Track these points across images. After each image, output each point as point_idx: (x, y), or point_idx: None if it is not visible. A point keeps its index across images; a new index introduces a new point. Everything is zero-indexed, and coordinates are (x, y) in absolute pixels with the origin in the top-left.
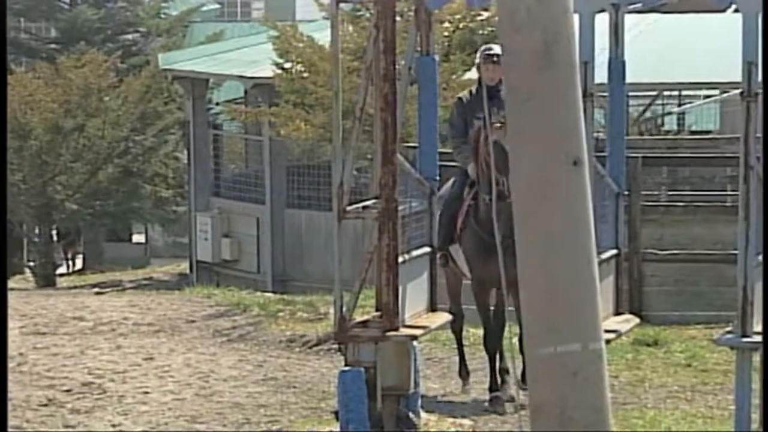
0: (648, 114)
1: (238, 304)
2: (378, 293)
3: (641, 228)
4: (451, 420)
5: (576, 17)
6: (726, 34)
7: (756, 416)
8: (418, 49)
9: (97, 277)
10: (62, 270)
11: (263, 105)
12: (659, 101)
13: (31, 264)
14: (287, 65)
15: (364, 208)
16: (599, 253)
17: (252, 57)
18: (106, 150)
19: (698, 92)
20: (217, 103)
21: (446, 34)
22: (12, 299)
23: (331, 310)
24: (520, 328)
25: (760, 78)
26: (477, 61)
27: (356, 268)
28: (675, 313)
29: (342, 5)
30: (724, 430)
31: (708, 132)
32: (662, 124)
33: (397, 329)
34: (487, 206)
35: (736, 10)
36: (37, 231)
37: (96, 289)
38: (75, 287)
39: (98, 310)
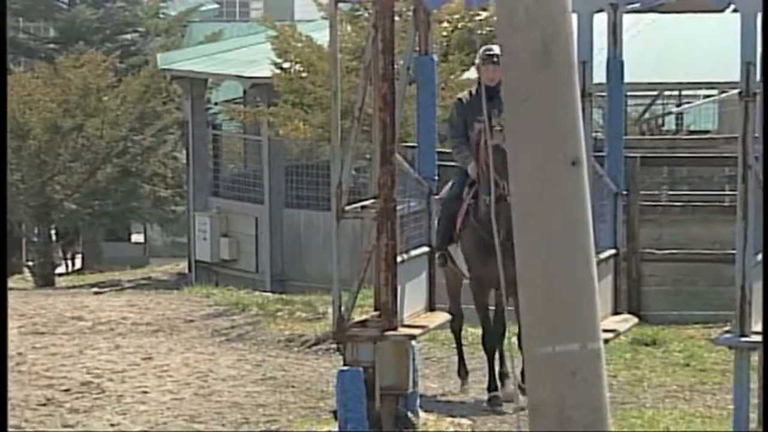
0: (648, 114)
1: (236, 304)
2: (376, 293)
3: (640, 228)
4: (449, 419)
5: (574, 17)
6: (724, 34)
7: (754, 416)
8: (417, 48)
9: (96, 276)
10: (61, 270)
11: (262, 105)
12: (659, 101)
13: (30, 264)
14: (286, 65)
15: (362, 207)
16: (598, 252)
17: (250, 57)
18: (104, 150)
19: (698, 92)
20: (216, 103)
21: (445, 33)
22: (11, 299)
23: (330, 310)
24: (519, 328)
25: (758, 78)
26: (477, 61)
27: (355, 267)
28: (673, 313)
29: (340, 5)
30: (723, 430)
31: (706, 132)
32: (663, 124)
33: (395, 329)
34: (487, 206)
35: (734, 10)
36: (35, 231)
37: (95, 289)
38: (74, 287)
39: (97, 310)
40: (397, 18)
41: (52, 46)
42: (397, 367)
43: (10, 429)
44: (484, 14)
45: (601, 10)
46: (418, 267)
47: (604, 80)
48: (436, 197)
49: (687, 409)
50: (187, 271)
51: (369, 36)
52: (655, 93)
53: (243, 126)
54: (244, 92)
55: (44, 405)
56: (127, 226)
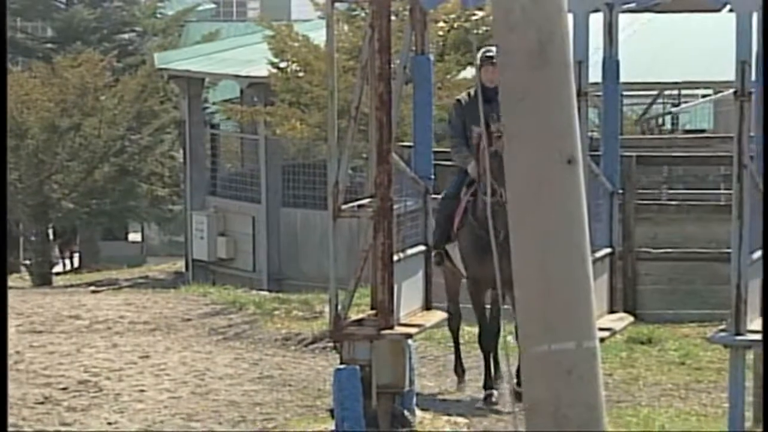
0: (649, 114)
1: (233, 303)
2: (373, 292)
3: (635, 226)
4: (446, 418)
5: (570, 17)
6: (719, 34)
7: (749, 414)
8: (413, 48)
9: (93, 275)
10: (58, 268)
11: (259, 104)
12: (659, 101)
13: (27, 262)
14: (283, 65)
15: (359, 207)
16: (593, 251)
17: (247, 56)
18: (102, 149)
19: (696, 91)
20: (214, 103)
21: (441, 33)
22: (9, 298)
23: (327, 309)
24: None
25: (753, 77)
26: (476, 62)
27: (351, 266)
28: (669, 312)
29: (337, 5)
30: (718, 428)
31: (702, 131)
32: (663, 124)
33: (392, 327)
34: (486, 204)
35: (730, 10)
36: (33, 230)
37: (92, 288)
38: (71, 286)
39: (94, 309)
40: (393, 18)
41: (49, 45)
42: (394, 366)
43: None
44: (480, 14)
45: (596, 10)
46: (415, 266)
47: (599, 80)
48: (435, 196)
49: (682, 407)
50: (184, 270)
51: (366, 36)
52: (655, 93)
53: (240, 125)
54: (241, 92)
55: (42, 403)
56: (124, 225)
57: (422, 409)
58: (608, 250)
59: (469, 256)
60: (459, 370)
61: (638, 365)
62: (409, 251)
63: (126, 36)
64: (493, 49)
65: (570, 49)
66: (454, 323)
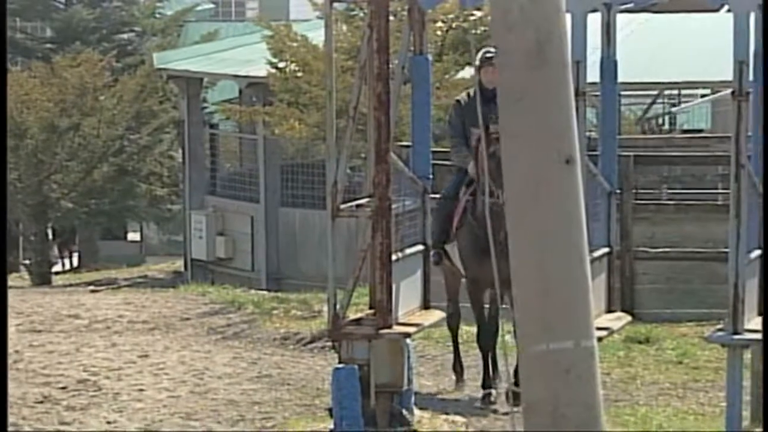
0: (650, 113)
1: (232, 302)
2: (371, 291)
3: (633, 226)
4: (444, 417)
5: (568, 17)
6: (717, 34)
7: (747, 413)
8: (412, 48)
9: (93, 275)
10: (57, 268)
11: (257, 104)
12: (660, 100)
13: (27, 262)
14: (281, 64)
15: (357, 206)
16: (591, 251)
17: (246, 56)
18: (101, 149)
19: (695, 91)
20: (213, 104)
21: (439, 33)
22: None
23: (325, 308)
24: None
25: (751, 77)
26: (476, 63)
27: (350, 266)
28: (666, 311)
29: (336, 5)
30: (716, 427)
31: (700, 131)
32: (663, 123)
33: (390, 327)
34: (485, 204)
35: (728, 10)
36: (32, 229)
37: (91, 287)
38: (70, 285)
39: (93, 308)
40: (391, 18)
41: (48, 45)
42: (392, 365)
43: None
44: (478, 14)
45: (594, 10)
46: (413, 265)
47: (597, 79)
48: (433, 196)
49: (680, 406)
50: (183, 269)
51: (364, 36)
52: (654, 93)
53: (239, 125)
54: (240, 91)
55: (41, 402)
56: (123, 224)
57: (420, 408)
58: (606, 249)
59: (468, 255)
60: (457, 368)
61: (636, 364)
62: (408, 251)
63: (125, 36)
64: (493, 50)
65: (568, 49)
66: (453, 322)
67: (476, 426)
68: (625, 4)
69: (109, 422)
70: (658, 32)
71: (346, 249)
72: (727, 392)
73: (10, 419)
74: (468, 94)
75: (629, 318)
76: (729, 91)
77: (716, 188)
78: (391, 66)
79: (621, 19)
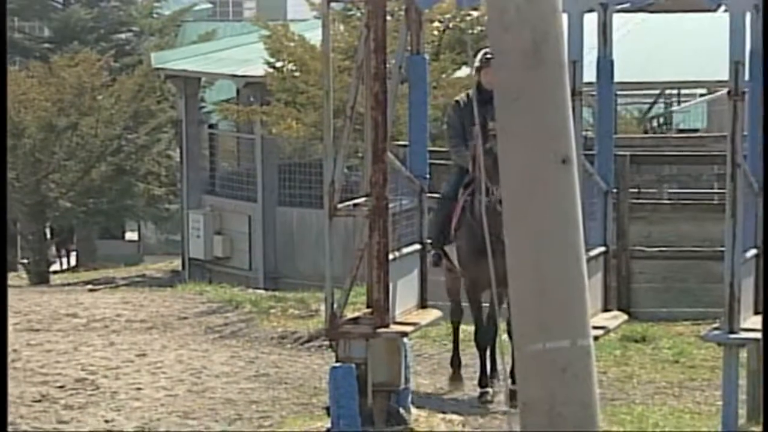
0: (652, 113)
1: (230, 301)
2: (369, 290)
3: (629, 225)
4: (441, 416)
5: (565, 16)
6: (713, 34)
7: (743, 412)
8: (409, 48)
9: (90, 274)
10: (55, 267)
11: (255, 104)
12: (661, 100)
13: (25, 261)
14: (279, 64)
15: (355, 205)
16: (588, 250)
17: (244, 56)
18: (99, 148)
19: (695, 90)
20: (211, 103)
21: (436, 33)
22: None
23: (323, 307)
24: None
25: (747, 77)
26: (477, 64)
27: (347, 265)
28: (663, 310)
29: (333, 5)
30: (712, 426)
31: (696, 130)
32: (665, 123)
33: (387, 326)
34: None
35: (725, 10)
36: (30, 228)
37: (89, 286)
38: (68, 284)
39: (91, 307)
40: (389, 18)
41: (46, 45)
42: (389, 364)
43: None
44: (475, 14)
45: (591, 10)
46: (410, 264)
47: (594, 79)
48: (430, 195)
49: (676, 405)
50: (180, 268)
51: (361, 35)
52: (654, 92)
53: (236, 125)
54: (238, 91)
55: (39, 401)
56: (121, 224)
57: (417, 407)
58: (602, 248)
59: (467, 255)
60: (456, 362)
61: (632, 363)
62: (405, 250)
63: (123, 36)
64: None
65: (565, 48)
66: (455, 317)
67: (473, 425)
68: (622, 4)
69: (107, 421)
70: (654, 32)
71: (344, 248)
72: (723, 391)
73: (8, 418)
74: (467, 95)
75: (625, 317)
76: (725, 90)
77: (712, 187)
78: (388, 66)
79: (617, 19)
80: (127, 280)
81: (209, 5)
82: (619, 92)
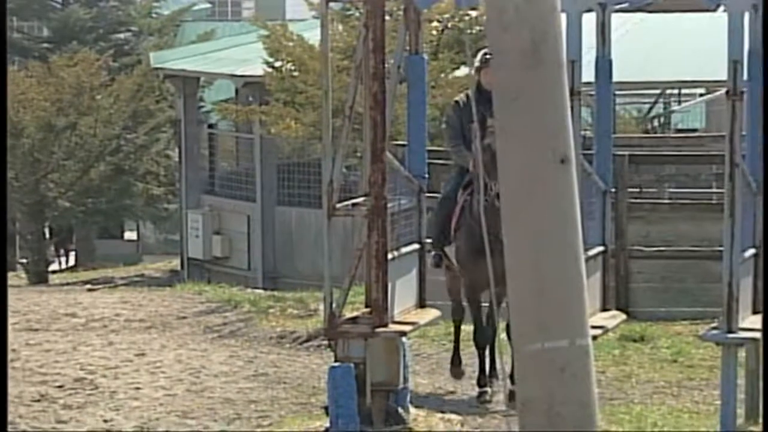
0: (654, 112)
1: (228, 301)
2: (367, 290)
3: (628, 225)
4: (439, 415)
5: (563, 16)
6: (711, 34)
7: (741, 411)
8: (407, 48)
9: (89, 273)
10: (54, 267)
11: (254, 103)
12: (661, 100)
13: (24, 261)
14: (277, 64)
15: (353, 205)
16: (586, 250)
17: (242, 56)
18: (98, 148)
19: (694, 90)
20: (210, 103)
21: (435, 33)
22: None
23: (321, 307)
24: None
25: (745, 77)
26: (477, 65)
27: (346, 264)
28: (661, 310)
29: (332, 4)
30: (710, 425)
31: (694, 130)
32: (665, 123)
33: (386, 325)
34: (485, 203)
35: (724, 10)
36: (29, 228)
37: (88, 286)
38: (67, 284)
39: (90, 307)
40: (387, 17)
41: (45, 45)
42: (388, 364)
43: None
44: (473, 14)
45: (589, 10)
46: (409, 264)
47: (592, 79)
48: (429, 195)
49: (675, 404)
50: (179, 268)
51: (360, 35)
52: (655, 92)
53: (235, 124)
54: (236, 91)
55: (38, 401)
56: (120, 223)
57: (416, 407)
58: (601, 248)
59: (466, 255)
60: (456, 361)
61: (631, 363)
62: (404, 249)
63: (122, 35)
64: None
65: (563, 48)
66: (457, 315)
67: (472, 424)
68: (620, 3)
69: (105, 420)
70: (653, 32)
71: (342, 248)
72: (722, 390)
73: (7, 417)
74: (467, 95)
75: (624, 316)
76: (723, 90)
77: (711, 187)
78: (386, 65)
79: (616, 18)
80: (125, 279)
81: (208, 5)
82: (617, 92)
